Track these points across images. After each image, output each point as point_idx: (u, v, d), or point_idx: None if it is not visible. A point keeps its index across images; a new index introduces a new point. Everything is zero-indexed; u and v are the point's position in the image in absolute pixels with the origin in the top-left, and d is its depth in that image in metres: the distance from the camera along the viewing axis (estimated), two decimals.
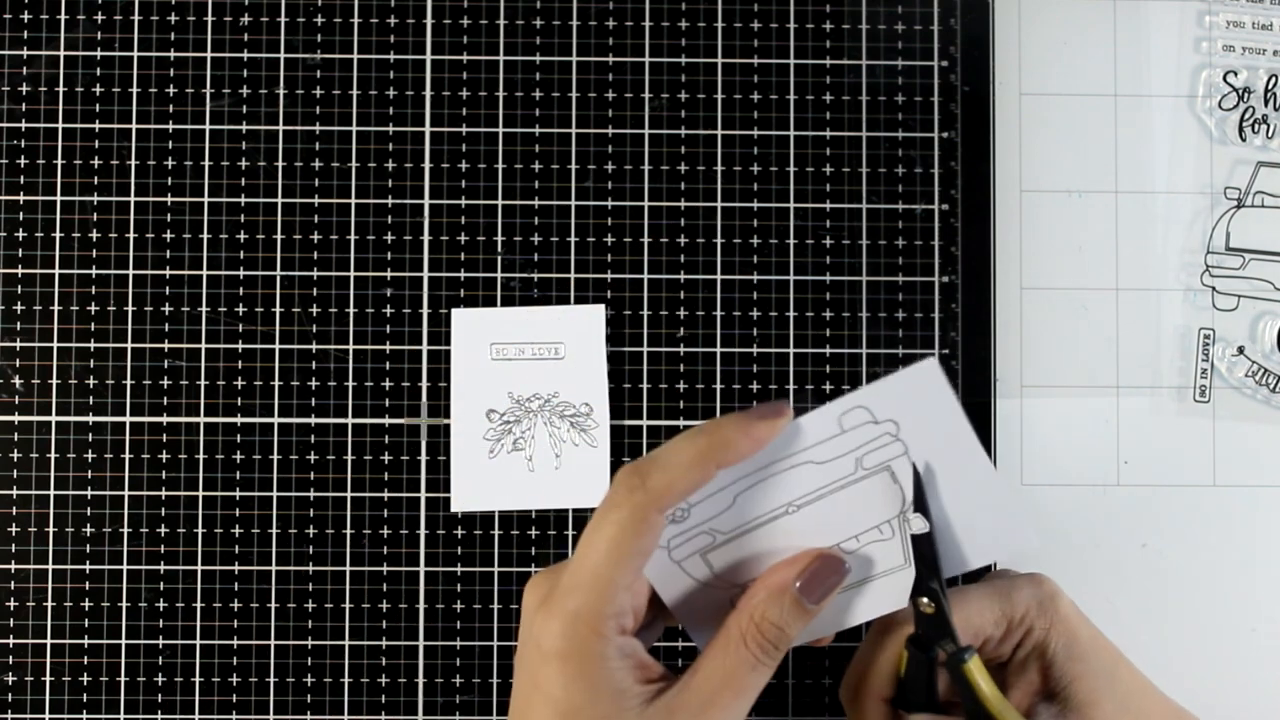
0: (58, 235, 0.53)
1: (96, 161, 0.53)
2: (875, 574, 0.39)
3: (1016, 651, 0.40)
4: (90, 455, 0.52)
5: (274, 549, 0.52)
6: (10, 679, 0.52)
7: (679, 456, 0.36)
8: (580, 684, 0.36)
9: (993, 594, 0.40)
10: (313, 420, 0.53)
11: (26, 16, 0.54)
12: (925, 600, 0.39)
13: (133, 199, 0.53)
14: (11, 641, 0.52)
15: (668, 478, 0.36)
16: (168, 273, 0.53)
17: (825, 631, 0.40)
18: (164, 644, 0.52)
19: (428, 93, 0.54)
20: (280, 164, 0.53)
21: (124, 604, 0.52)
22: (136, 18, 0.54)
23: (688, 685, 0.37)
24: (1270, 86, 0.54)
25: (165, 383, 0.53)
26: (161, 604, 0.52)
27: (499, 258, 0.53)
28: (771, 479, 0.39)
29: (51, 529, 0.52)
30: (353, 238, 0.53)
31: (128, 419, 0.53)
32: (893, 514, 0.39)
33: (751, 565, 0.40)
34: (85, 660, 0.52)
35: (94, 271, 0.53)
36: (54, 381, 0.53)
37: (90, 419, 0.53)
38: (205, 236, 0.53)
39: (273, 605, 0.52)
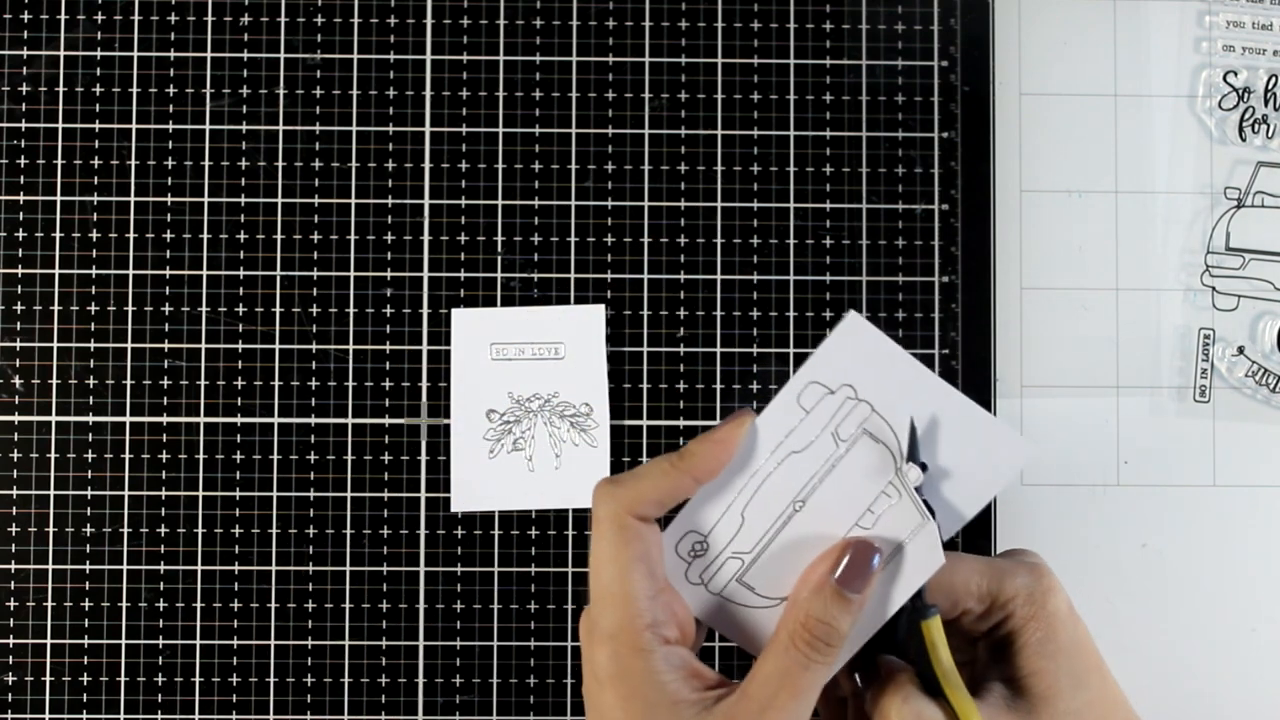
0: (58, 235, 0.53)
1: (96, 161, 0.53)
2: (904, 540, 0.39)
3: (994, 630, 0.41)
4: (90, 455, 0.52)
5: (274, 549, 0.52)
6: (10, 679, 0.52)
7: (649, 468, 0.38)
8: (635, 703, 0.37)
9: (985, 571, 0.40)
10: (313, 420, 0.53)
11: (26, 16, 0.54)
12: None
13: (133, 199, 0.53)
14: (11, 641, 0.52)
15: (638, 485, 0.38)
16: (168, 273, 0.53)
17: (880, 619, 0.40)
18: (164, 644, 0.52)
19: (428, 93, 0.54)
20: (280, 164, 0.53)
21: (124, 604, 0.52)
22: (136, 18, 0.54)
23: (745, 691, 0.37)
24: (1270, 86, 0.54)
25: (165, 383, 0.53)
26: (161, 604, 0.52)
27: (499, 258, 0.53)
28: (767, 483, 0.39)
29: (51, 529, 0.52)
30: (353, 238, 0.53)
31: (128, 419, 0.53)
32: (889, 474, 0.39)
33: (789, 573, 0.40)
34: (85, 660, 0.52)
35: (94, 271, 0.53)
36: (54, 381, 0.53)
37: (90, 419, 0.53)
38: (205, 236, 0.53)
39: (273, 605, 0.52)
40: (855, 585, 0.38)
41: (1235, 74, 0.54)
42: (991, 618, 0.40)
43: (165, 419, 0.53)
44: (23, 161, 0.53)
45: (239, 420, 0.53)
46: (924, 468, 0.39)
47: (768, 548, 0.40)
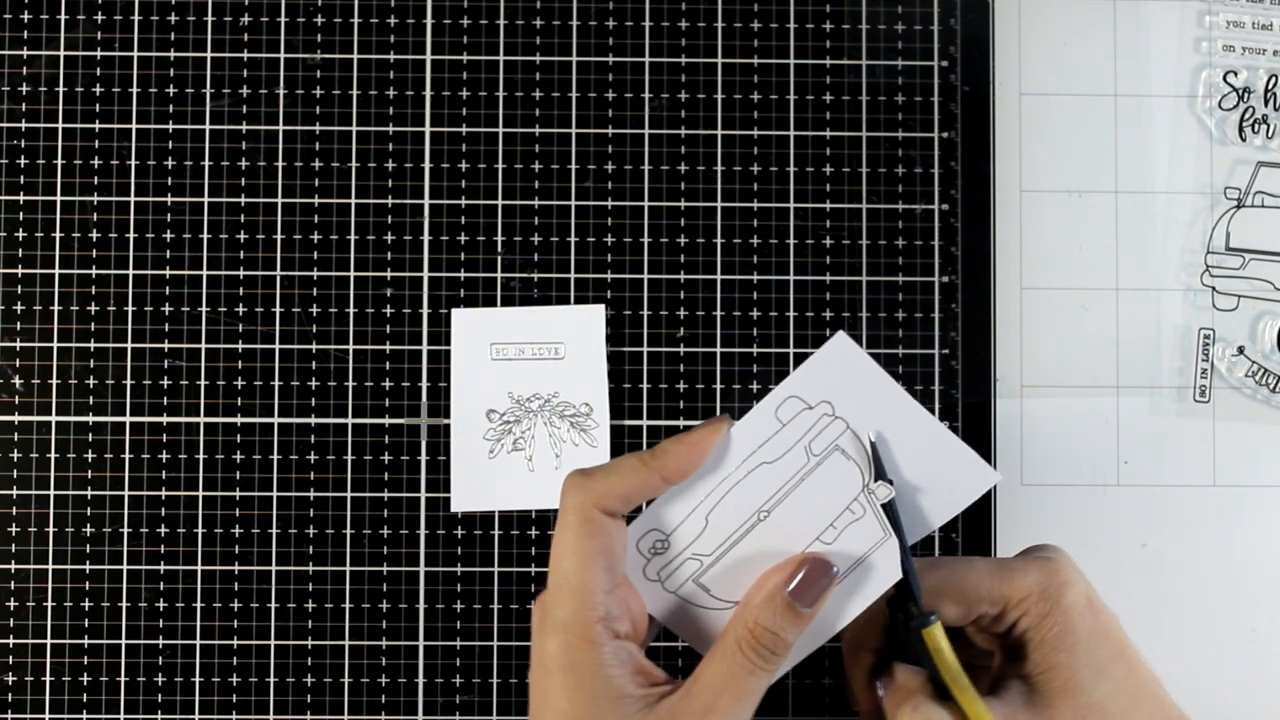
0: (58, 235, 0.53)
1: (96, 161, 0.53)
2: (863, 556, 0.40)
3: (1012, 630, 0.41)
4: (90, 455, 0.52)
5: (274, 549, 0.52)
6: (10, 679, 0.52)
7: (621, 463, 0.39)
8: (582, 694, 0.37)
9: (996, 573, 0.40)
10: (313, 420, 0.53)
11: (26, 16, 0.54)
12: None
13: (133, 199, 0.53)
14: (11, 641, 0.52)
15: (608, 480, 0.38)
16: (168, 273, 0.53)
17: (830, 630, 0.40)
18: (164, 644, 0.52)
19: (428, 93, 0.54)
20: (280, 164, 0.53)
21: (124, 604, 0.52)
22: (136, 18, 0.54)
23: (689, 690, 0.37)
24: (1270, 86, 0.54)
25: (165, 383, 0.53)
26: (161, 604, 0.52)
27: (499, 258, 0.53)
28: (734, 490, 0.40)
29: (51, 529, 0.52)
30: (353, 238, 0.53)
31: (128, 419, 0.53)
32: (857, 491, 0.40)
33: (745, 579, 0.40)
34: (85, 660, 0.52)
35: (94, 271, 0.53)
36: (54, 381, 0.53)
37: (90, 419, 0.53)
38: (205, 236, 0.53)
39: (273, 605, 0.52)
40: (807, 600, 0.39)
41: (1235, 74, 0.54)
42: (1007, 618, 0.40)
43: (165, 419, 0.53)
44: (23, 161, 0.53)
45: (239, 420, 0.53)
46: (890, 484, 0.40)
47: (728, 553, 0.41)
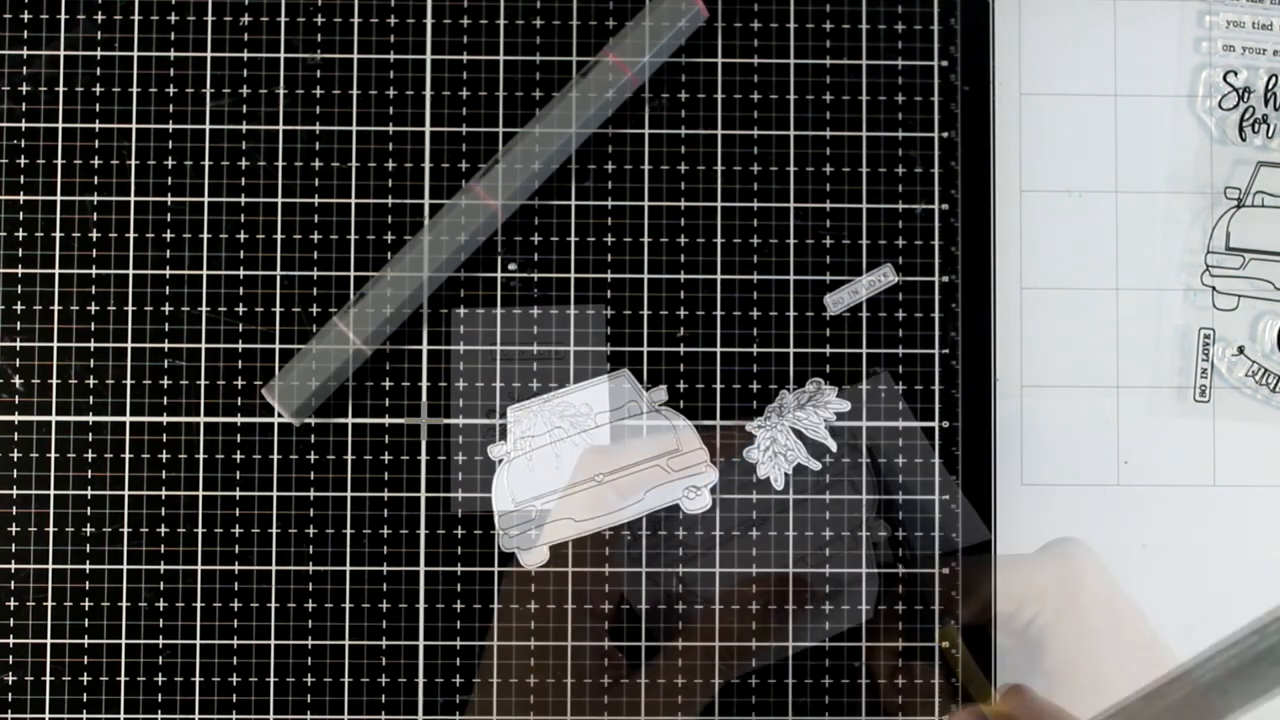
0: (58, 235, 0.53)
1: (96, 161, 0.53)
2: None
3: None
4: (90, 455, 0.52)
5: (274, 549, 0.52)
6: (10, 679, 0.52)
7: None
8: None
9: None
10: (313, 420, 0.53)
11: (26, 16, 0.54)
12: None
13: (133, 199, 0.53)
14: (11, 641, 0.52)
15: None
16: (168, 273, 0.53)
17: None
18: (164, 644, 0.52)
19: (428, 93, 0.54)
20: (280, 164, 0.53)
21: (124, 604, 0.52)
22: (136, 18, 0.54)
23: None
24: (1270, 86, 0.54)
25: (165, 383, 0.53)
26: (161, 604, 0.52)
27: (499, 258, 0.53)
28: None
29: (51, 529, 0.52)
30: (353, 238, 0.53)
31: (128, 419, 0.53)
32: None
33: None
34: (85, 660, 0.52)
35: (94, 271, 0.53)
36: (54, 381, 0.53)
37: (90, 419, 0.53)
38: (205, 236, 0.53)
39: (273, 605, 0.52)
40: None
41: (1235, 74, 0.54)
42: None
43: (165, 419, 0.53)
44: (23, 161, 0.53)
45: (239, 420, 0.53)
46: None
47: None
